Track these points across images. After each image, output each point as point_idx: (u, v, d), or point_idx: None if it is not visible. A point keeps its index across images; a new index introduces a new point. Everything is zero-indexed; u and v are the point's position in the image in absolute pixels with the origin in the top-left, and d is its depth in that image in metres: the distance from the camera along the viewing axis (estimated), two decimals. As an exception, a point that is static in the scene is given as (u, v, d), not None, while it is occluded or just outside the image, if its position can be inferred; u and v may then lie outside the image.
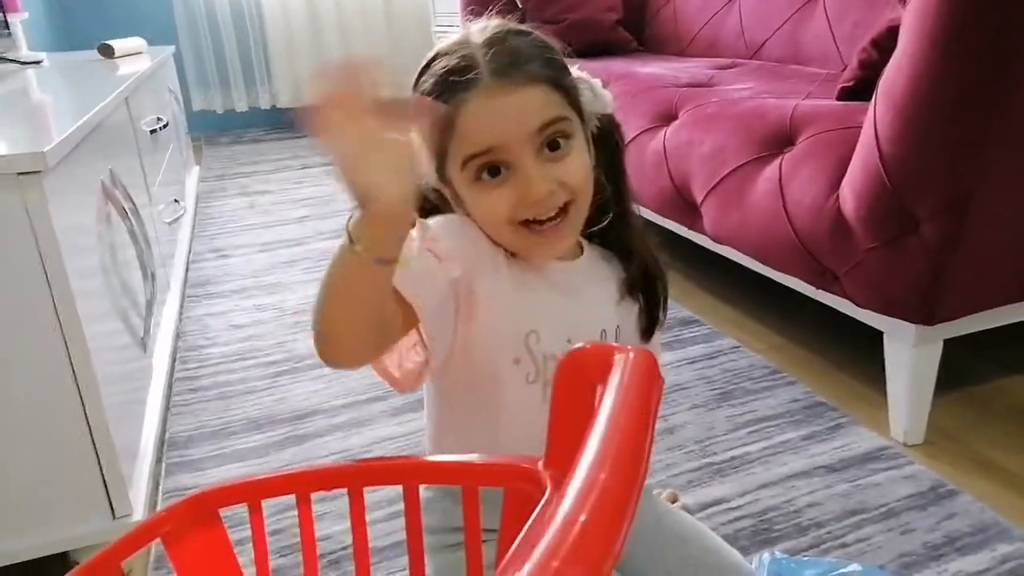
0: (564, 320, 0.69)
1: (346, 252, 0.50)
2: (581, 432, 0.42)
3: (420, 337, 0.66)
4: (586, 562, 0.26)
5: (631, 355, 0.41)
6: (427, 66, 0.66)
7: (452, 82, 0.62)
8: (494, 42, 0.63)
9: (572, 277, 0.71)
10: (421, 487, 0.59)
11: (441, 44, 0.67)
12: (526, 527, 0.39)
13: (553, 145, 0.64)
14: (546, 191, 0.63)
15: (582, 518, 0.28)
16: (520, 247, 0.68)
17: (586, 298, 0.72)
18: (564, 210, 0.65)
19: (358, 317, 0.55)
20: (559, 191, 0.64)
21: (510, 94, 0.62)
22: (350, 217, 0.50)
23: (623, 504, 0.30)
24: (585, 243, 0.75)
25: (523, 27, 0.67)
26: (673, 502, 1.00)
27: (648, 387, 0.39)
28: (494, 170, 0.63)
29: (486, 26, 0.66)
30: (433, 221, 0.66)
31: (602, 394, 0.38)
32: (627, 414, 0.36)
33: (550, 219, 0.65)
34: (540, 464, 0.48)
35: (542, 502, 0.44)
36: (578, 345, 0.45)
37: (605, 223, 0.74)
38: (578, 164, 0.65)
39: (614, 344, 0.43)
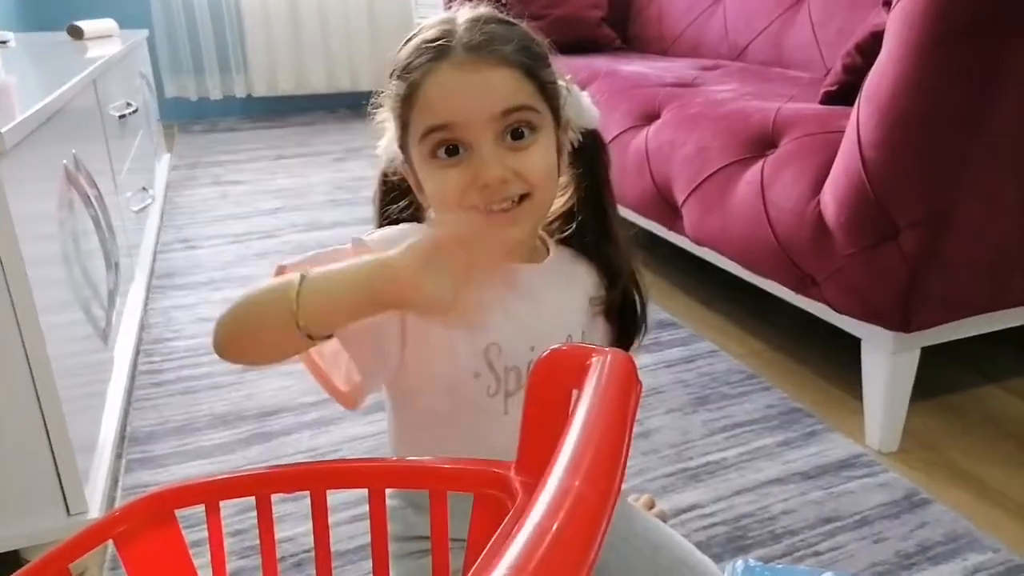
0: (526, 327, 0.66)
1: (286, 306, 0.52)
2: (555, 437, 0.40)
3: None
4: (559, 573, 0.24)
5: (609, 357, 0.39)
6: (405, 42, 0.65)
7: (423, 49, 0.61)
8: (476, 20, 0.62)
9: (535, 280, 0.68)
10: (386, 494, 0.56)
11: (427, 21, 0.65)
12: (496, 534, 0.37)
13: (516, 134, 0.61)
14: (499, 176, 0.60)
15: (555, 527, 0.26)
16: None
17: (550, 302, 0.69)
18: (518, 202, 0.62)
19: (270, 347, 0.57)
20: (514, 181, 0.61)
21: (479, 71, 0.60)
22: (302, 277, 0.53)
23: (598, 513, 0.28)
24: (552, 244, 0.72)
25: (511, 18, 0.65)
26: (650, 508, 0.98)
27: (626, 391, 0.37)
28: (452, 150, 0.61)
29: (476, 11, 0.64)
30: (371, 237, 0.63)
31: (578, 398, 0.36)
32: (604, 419, 0.34)
33: (502, 209, 0.62)
34: (511, 470, 0.46)
35: (513, 509, 0.42)
36: (553, 347, 0.43)
37: (588, 239, 0.72)
38: (539, 158, 0.62)
39: (592, 346, 0.41)
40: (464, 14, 0.63)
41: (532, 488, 0.43)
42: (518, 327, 0.66)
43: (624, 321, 0.74)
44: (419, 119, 0.61)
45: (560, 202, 0.72)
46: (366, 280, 0.54)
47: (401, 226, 0.67)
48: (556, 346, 0.43)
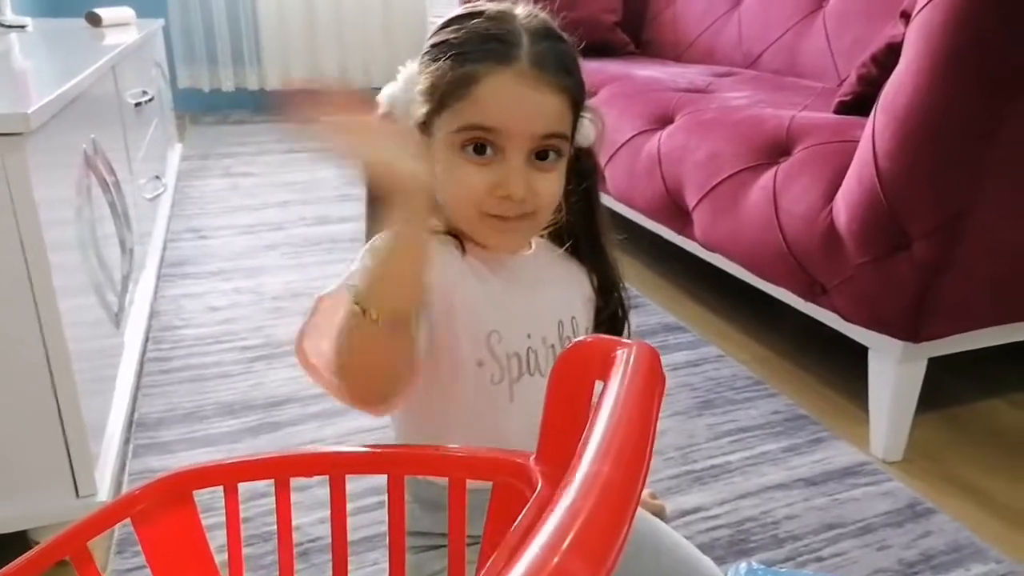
0: (521, 314, 0.68)
1: (357, 320, 0.52)
2: (577, 428, 0.41)
3: None
4: (591, 554, 0.25)
5: (635, 350, 0.40)
6: (460, 19, 0.64)
7: (490, 48, 0.61)
8: (539, 34, 0.63)
9: (525, 268, 0.70)
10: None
11: (478, 4, 0.65)
12: (516, 523, 0.38)
13: (542, 155, 0.63)
14: (522, 192, 0.62)
15: (588, 508, 0.26)
16: (476, 230, 0.66)
17: (541, 289, 0.71)
18: (523, 217, 0.65)
19: (381, 366, 0.56)
20: (529, 199, 0.63)
21: (539, 90, 0.61)
22: (355, 289, 0.53)
23: (627, 497, 0.29)
24: (535, 237, 0.73)
25: (561, 31, 0.66)
26: (652, 499, 0.99)
27: (652, 384, 0.38)
28: (480, 148, 0.62)
29: (529, 12, 0.64)
30: (381, 239, 0.64)
31: (605, 388, 0.37)
32: (631, 409, 0.35)
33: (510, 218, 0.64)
34: (531, 459, 0.46)
35: (533, 498, 0.43)
36: (578, 339, 0.44)
37: (582, 252, 0.74)
38: (554, 182, 0.65)
39: (617, 338, 0.42)
40: (522, 15, 0.64)
41: (553, 477, 0.43)
42: (515, 314, 0.68)
43: (609, 328, 0.75)
44: (465, 111, 0.62)
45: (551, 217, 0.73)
46: (389, 244, 0.53)
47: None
48: (580, 339, 0.43)
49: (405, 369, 0.57)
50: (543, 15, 0.65)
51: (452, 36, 0.64)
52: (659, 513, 0.98)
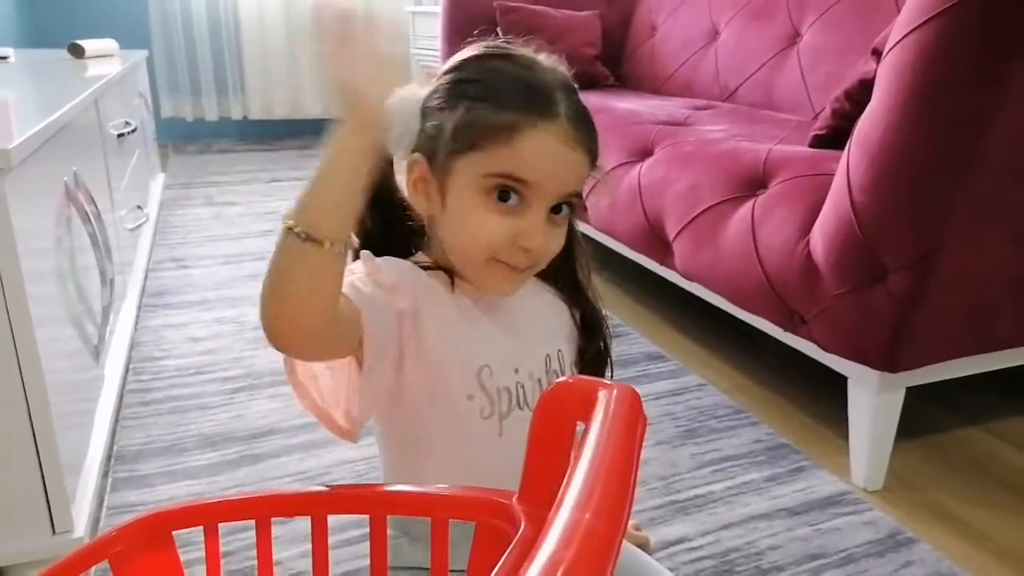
0: (511, 349, 0.69)
1: (287, 239, 0.51)
2: (559, 468, 0.41)
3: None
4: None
5: (615, 392, 0.40)
6: (487, 59, 0.65)
7: (530, 99, 0.61)
8: (568, 88, 0.64)
9: (512, 303, 0.71)
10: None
11: (501, 46, 0.65)
12: (500, 564, 0.38)
13: (557, 208, 0.64)
14: (541, 246, 0.64)
15: (568, 559, 0.27)
16: (479, 272, 0.66)
17: (528, 323, 0.71)
18: (530, 267, 0.67)
19: (307, 294, 0.53)
20: (545, 251, 0.66)
21: (575, 151, 0.62)
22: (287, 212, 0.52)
23: (609, 545, 0.29)
24: None
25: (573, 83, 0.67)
26: (639, 535, 0.99)
27: (633, 426, 0.38)
28: (505, 195, 0.62)
29: (552, 63, 0.66)
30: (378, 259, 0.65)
31: (586, 431, 0.37)
32: (612, 453, 0.35)
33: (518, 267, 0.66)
34: (514, 499, 0.47)
35: (516, 539, 0.43)
36: (560, 380, 0.45)
37: (565, 291, 0.76)
38: (562, 236, 0.67)
39: (598, 380, 0.43)
40: (549, 65, 0.65)
41: (536, 518, 0.44)
42: (504, 349, 0.68)
43: (592, 365, 0.76)
44: (501, 158, 0.61)
45: None
46: (329, 152, 0.53)
47: (385, 258, 0.67)
48: (562, 379, 0.44)
49: (331, 302, 0.55)
50: (562, 68, 0.66)
51: (482, 76, 0.63)
52: (643, 545, 0.98)
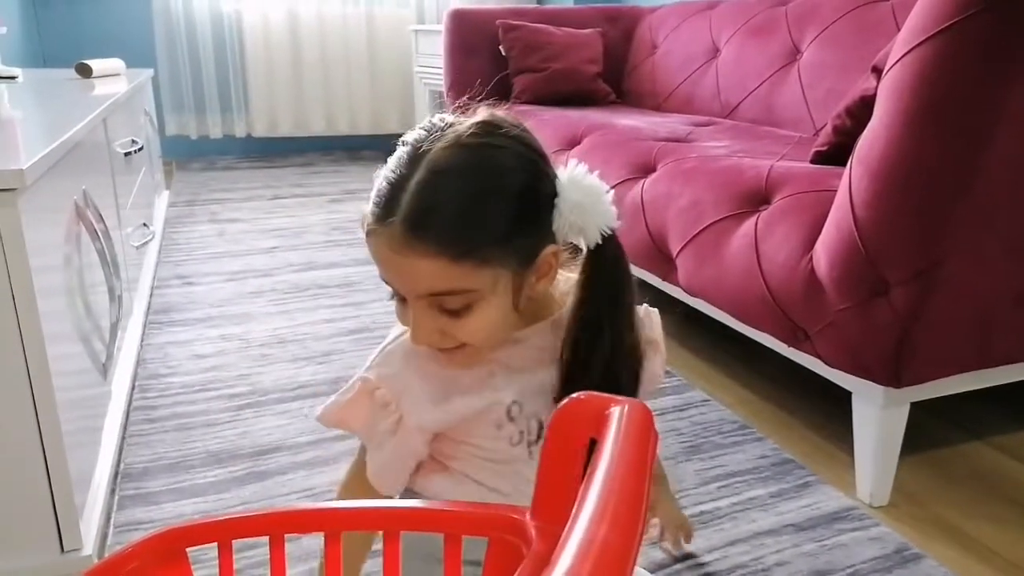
0: (540, 382, 0.67)
1: None
2: (571, 484, 0.42)
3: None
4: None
5: (627, 408, 0.41)
6: (400, 146, 0.63)
7: (376, 204, 0.60)
8: (428, 180, 0.58)
9: (541, 338, 0.68)
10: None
11: (412, 134, 0.62)
12: (514, 579, 0.38)
13: (446, 310, 0.61)
14: (425, 341, 0.63)
15: (584, 573, 0.27)
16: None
17: (547, 368, 0.68)
18: (457, 348, 0.64)
19: None
20: (446, 340, 0.63)
21: (405, 255, 0.58)
22: None
23: (624, 560, 0.30)
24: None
25: (503, 138, 0.60)
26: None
27: (645, 441, 0.39)
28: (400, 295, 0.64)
29: (453, 135, 0.59)
30: (374, 373, 0.68)
31: (599, 447, 0.38)
32: (625, 469, 0.36)
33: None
34: (527, 515, 0.47)
35: (529, 555, 0.43)
36: (571, 396, 0.45)
37: (600, 351, 0.66)
38: (476, 324, 0.61)
39: (610, 396, 0.43)
40: (440, 144, 0.59)
41: (549, 533, 0.44)
42: (534, 385, 0.67)
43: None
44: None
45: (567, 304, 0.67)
46: None
47: (395, 344, 0.69)
48: (574, 395, 0.44)
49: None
50: (469, 134, 0.59)
51: (379, 172, 0.62)
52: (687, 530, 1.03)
